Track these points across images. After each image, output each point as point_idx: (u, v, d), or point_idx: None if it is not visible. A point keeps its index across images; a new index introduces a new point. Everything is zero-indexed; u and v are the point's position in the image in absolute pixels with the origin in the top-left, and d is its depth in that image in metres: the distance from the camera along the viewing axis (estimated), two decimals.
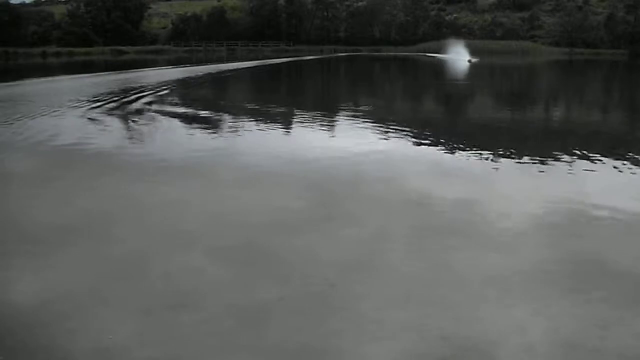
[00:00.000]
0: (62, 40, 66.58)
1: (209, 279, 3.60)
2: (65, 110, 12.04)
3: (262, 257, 3.96)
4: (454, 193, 5.55)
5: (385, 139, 8.91)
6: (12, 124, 9.98)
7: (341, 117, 11.90)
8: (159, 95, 16.07)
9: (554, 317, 3.08)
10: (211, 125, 10.61)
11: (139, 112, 12.06)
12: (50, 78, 25.21)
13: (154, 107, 12.86)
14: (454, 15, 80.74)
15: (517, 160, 7.27)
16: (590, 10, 74.55)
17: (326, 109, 13.63)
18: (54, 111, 11.84)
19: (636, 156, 7.56)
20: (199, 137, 9.30)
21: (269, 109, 13.37)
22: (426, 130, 10.29)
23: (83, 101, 13.78)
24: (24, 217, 4.86)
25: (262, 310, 3.16)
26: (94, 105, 12.97)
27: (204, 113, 12.22)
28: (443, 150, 8.13)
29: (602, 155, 7.44)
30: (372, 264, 3.80)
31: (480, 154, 7.58)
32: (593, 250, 4.06)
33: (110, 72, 28.52)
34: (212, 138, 9.19)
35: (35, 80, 24.03)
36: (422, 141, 8.90)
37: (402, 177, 6.26)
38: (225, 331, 2.98)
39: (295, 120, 11.52)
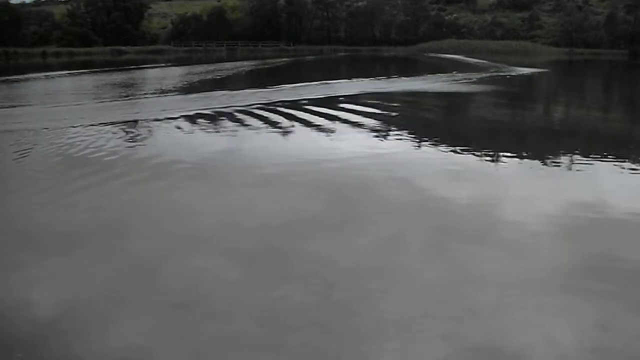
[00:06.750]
0: (62, 40, 66.37)
1: (228, 281, 3.60)
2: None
3: (279, 259, 3.96)
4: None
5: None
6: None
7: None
8: None
9: (575, 321, 3.08)
10: None
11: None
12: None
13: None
14: (454, 15, 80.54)
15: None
16: (590, 10, 74.33)
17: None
18: None
19: None
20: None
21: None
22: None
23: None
24: None
25: (278, 313, 3.16)
26: None
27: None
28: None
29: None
30: (388, 266, 3.80)
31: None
32: (611, 252, 4.05)
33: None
34: None
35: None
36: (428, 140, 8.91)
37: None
38: (241, 332, 2.97)
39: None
